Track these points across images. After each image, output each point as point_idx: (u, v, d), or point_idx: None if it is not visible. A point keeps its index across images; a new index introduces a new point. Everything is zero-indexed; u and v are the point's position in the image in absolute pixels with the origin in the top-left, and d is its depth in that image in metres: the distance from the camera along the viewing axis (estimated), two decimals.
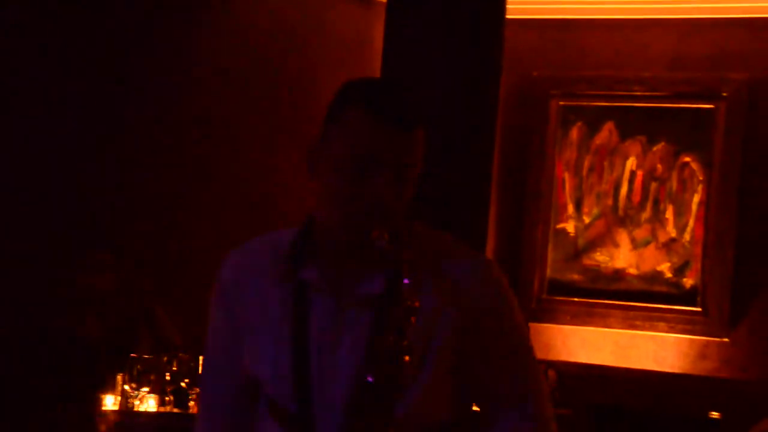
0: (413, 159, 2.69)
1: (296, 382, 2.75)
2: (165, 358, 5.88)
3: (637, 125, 8.57)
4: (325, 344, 2.70)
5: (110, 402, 5.77)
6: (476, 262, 2.84)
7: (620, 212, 8.61)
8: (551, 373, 7.68)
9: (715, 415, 6.76)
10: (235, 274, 2.84)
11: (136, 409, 5.75)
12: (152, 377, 5.73)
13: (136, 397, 5.78)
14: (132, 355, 5.85)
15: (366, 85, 2.75)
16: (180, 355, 5.92)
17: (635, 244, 8.53)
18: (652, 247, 8.52)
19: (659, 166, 8.50)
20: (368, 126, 2.63)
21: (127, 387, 5.79)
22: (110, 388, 5.80)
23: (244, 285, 2.81)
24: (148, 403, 5.70)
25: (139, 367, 5.84)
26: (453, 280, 2.75)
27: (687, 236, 8.45)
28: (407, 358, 2.56)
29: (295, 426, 2.75)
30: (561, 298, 8.52)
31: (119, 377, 5.80)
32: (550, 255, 8.65)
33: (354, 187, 2.64)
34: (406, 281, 2.61)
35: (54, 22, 7.23)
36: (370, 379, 2.61)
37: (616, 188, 8.63)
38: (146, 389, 5.72)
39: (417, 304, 2.56)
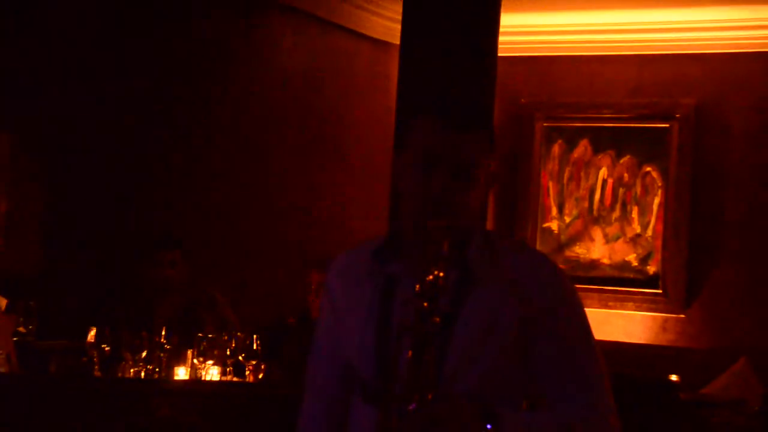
0: (472, 158, 2.58)
1: (377, 357, 2.65)
2: (225, 337, 5.91)
3: (607, 142, 8.56)
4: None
5: (182, 373, 5.84)
6: (539, 260, 2.71)
7: (594, 213, 8.60)
8: None
9: (674, 378, 6.71)
10: (338, 274, 2.76)
11: (203, 378, 5.81)
12: (216, 352, 5.76)
13: (202, 368, 5.85)
14: (199, 334, 5.91)
15: (435, 97, 2.63)
16: (237, 334, 5.96)
17: (607, 239, 8.52)
18: (621, 241, 8.52)
19: (626, 175, 8.49)
20: (430, 128, 2.53)
21: (195, 360, 5.86)
22: (183, 361, 5.87)
23: (344, 283, 2.74)
24: (212, 373, 5.75)
25: (204, 343, 5.88)
26: (517, 275, 2.62)
27: (649, 232, 8.44)
28: (437, 319, 2.42)
29: (378, 399, 2.61)
30: None
31: (189, 352, 5.87)
32: (538, 249, 8.67)
33: (419, 185, 2.55)
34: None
35: (126, 46, 7.31)
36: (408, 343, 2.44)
37: (591, 193, 8.61)
38: (211, 362, 5.77)
39: (442, 274, 2.44)
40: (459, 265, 2.59)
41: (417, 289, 2.43)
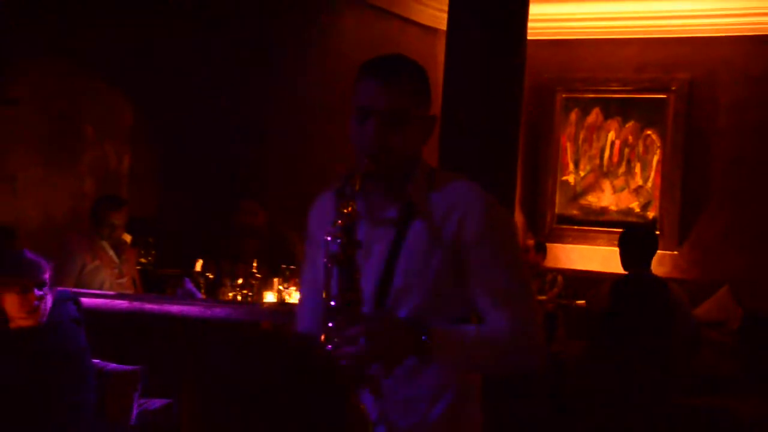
0: (400, 105, 2.41)
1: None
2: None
3: (614, 110, 8.46)
4: (363, 254, 2.39)
5: (270, 297, 5.90)
6: (473, 191, 2.51)
7: (604, 169, 8.51)
8: (560, 278, 7.62)
9: None
10: (313, 212, 2.65)
11: (286, 301, 5.86)
12: (296, 280, 5.81)
13: (287, 292, 5.91)
14: (282, 266, 5.96)
15: (371, 59, 2.49)
16: None
17: (614, 190, 8.44)
18: (626, 191, 8.44)
19: (630, 137, 8.41)
20: (362, 82, 2.42)
21: (280, 287, 5.91)
22: (270, 287, 5.93)
23: (318, 219, 2.60)
24: (294, 297, 5.80)
25: (287, 273, 5.94)
26: (452, 204, 2.45)
27: (649, 184, 8.35)
28: (350, 250, 2.30)
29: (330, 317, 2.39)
30: (565, 227, 8.49)
31: (275, 280, 5.92)
32: (558, 198, 8.63)
33: (357, 134, 2.43)
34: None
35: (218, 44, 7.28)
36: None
37: (601, 152, 8.52)
38: (293, 288, 5.83)
39: (350, 209, 2.33)
40: (401, 198, 2.47)
41: (338, 223, 2.32)
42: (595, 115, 8.58)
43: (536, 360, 2.46)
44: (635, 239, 5.37)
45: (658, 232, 8.09)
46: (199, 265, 6.00)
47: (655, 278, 5.27)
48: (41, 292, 3.95)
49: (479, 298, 2.43)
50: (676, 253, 8.20)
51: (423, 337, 2.33)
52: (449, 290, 2.45)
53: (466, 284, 2.43)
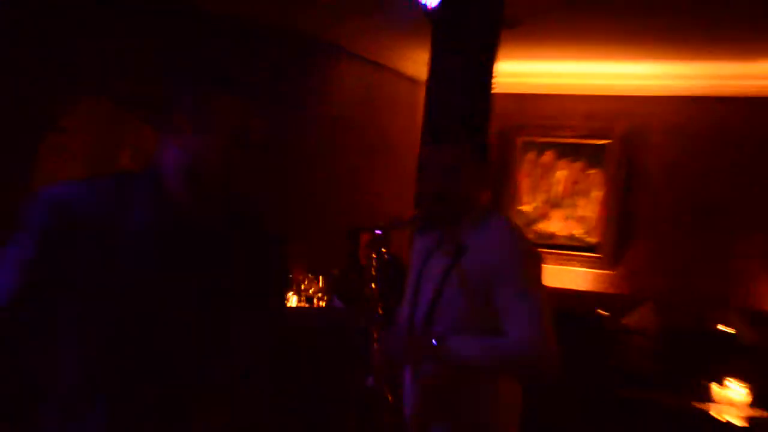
0: (456, 162, 2.54)
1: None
2: (301, 277, 5.83)
3: (564, 152, 8.42)
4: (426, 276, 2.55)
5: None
6: (506, 228, 2.54)
7: (554, 201, 8.46)
8: None
9: (604, 312, 6.77)
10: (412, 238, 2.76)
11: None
12: (294, 288, 5.70)
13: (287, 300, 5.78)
14: None
15: (450, 121, 2.55)
16: (309, 275, 5.85)
17: (562, 218, 8.41)
18: (571, 220, 8.39)
19: (577, 175, 8.38)
20: (427, 145, 2.56)
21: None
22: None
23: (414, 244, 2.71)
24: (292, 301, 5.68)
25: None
26: (487, 240, 2.47)
27: (592, 215, 8.28)
28: (374, 286, 2.40)
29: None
30: None
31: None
32: (514, 224, 8.60)
33: (424, 186, 2.63)
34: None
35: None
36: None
37: (553, 188, 8.48)
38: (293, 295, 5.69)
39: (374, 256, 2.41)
40: (454, 239, 2.50)
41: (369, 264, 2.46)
42: (548, 157, 8.54)
43: (547, 369, 2.41)
44: None
45: (597, 255, 8.12)
46: None
47: None
48: None
49: (501, 316, 2.42)
50: (612, 272, 8.17)
51: (433, 342, 2.38)
52: (474, 315, 2.46)
53: (492, 303, 2.43)
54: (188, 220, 1.75)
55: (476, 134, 2.71)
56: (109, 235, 1.68)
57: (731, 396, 5.29)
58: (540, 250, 2.61)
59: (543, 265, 2.55)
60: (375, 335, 2.38)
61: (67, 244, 1.66)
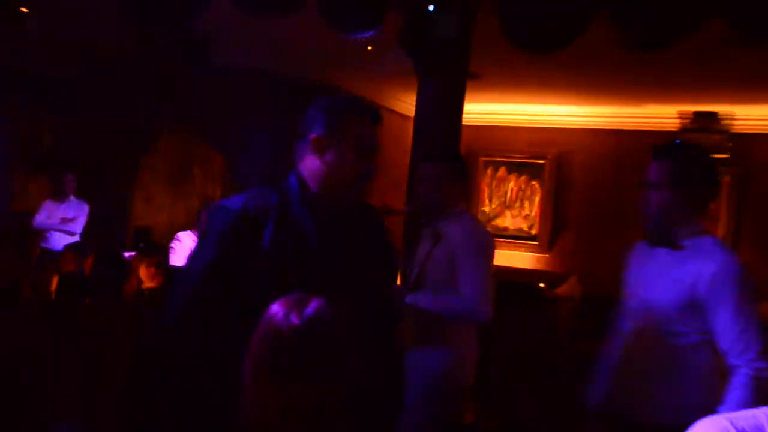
0: (439, 178, 2.49)
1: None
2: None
3: (513, 168, 8.06)
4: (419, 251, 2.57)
5: None
6: (467, 222, 2.53)
7: (507, 203, 8.07)
8: None
9: (542, 285, 6.59)
10: None
11: None
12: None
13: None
14: None
15: (428, 148, 2.59)
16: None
17: (512, 217, 7.93)
18: (519, 218, 8.01)
19: (522, 185, 8.03)
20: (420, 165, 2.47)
21: None
22: None
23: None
24: None
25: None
26: (454, 231, 2.48)
27: (534, 213, 7.93)
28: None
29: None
30: None
31: None
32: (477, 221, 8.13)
33: (417, 190, 2.57)
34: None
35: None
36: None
37: (506, 194, 8.09)
38: None
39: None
40: (435, 231, 2.57)
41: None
42: (502, 171, 8.25)
43: (483, 316, 2.48)
44: None
45: (537, 243, 8.12)
46: None
47: None
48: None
49: (459, 280, 2.49)
50: (547, 255, 7.96)
51: (409, 297, 2.50)
52: (450, 275, 2.52)
53: (455, 272, 2.51)
54: (328, 210, 1.71)
55: (456, 158, 2.66)
56: (279, 223, 1.62)
57: None
58: (495, 239, 2.62)
59: (495, 249, 2.64)
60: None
61: (242, 244, 1.58)
